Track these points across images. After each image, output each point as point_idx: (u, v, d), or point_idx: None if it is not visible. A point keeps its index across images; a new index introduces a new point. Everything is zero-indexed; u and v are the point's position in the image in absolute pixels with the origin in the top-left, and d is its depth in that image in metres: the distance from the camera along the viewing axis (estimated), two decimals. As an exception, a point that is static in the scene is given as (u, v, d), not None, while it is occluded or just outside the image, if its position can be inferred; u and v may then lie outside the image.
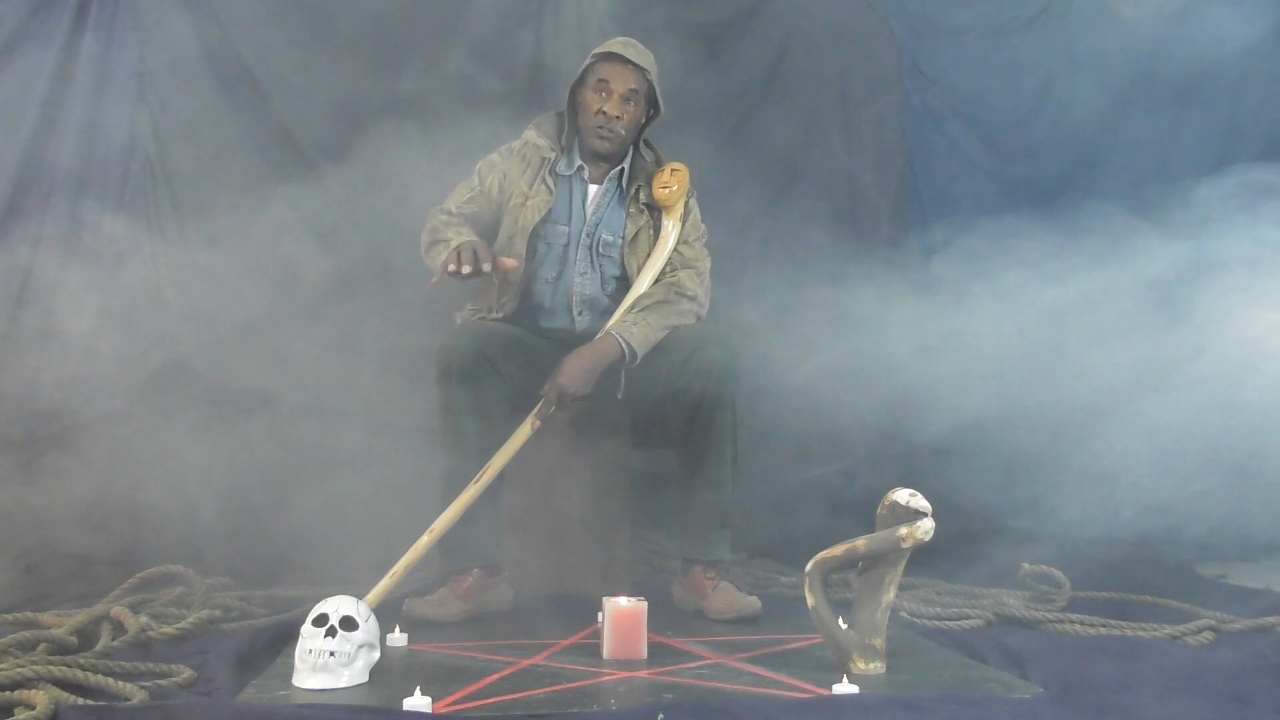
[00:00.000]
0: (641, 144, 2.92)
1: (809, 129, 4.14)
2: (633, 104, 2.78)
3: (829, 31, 4.24)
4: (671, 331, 2.73)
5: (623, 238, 2.82)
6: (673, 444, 2.74)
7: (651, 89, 2.82)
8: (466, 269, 2.53)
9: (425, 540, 2.41)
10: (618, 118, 2.75)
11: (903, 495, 2.06)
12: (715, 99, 4.02)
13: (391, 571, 2.37)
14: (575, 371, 2.60)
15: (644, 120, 2.87)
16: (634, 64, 2.76)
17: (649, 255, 2.80)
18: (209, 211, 3.53)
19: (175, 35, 3.64)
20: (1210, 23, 3.85)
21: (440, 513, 2.47)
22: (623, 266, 2.82)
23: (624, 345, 2.64)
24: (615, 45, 2.80)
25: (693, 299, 2.78)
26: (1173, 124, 4.11)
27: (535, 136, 2.84)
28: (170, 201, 3.61)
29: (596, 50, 2.82)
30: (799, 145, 4.12)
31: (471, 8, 3.82)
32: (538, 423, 2.56)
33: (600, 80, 2.77)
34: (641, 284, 2.76)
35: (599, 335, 2.68)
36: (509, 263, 2.64)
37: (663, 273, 2.78)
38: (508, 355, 2.65)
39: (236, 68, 3.69)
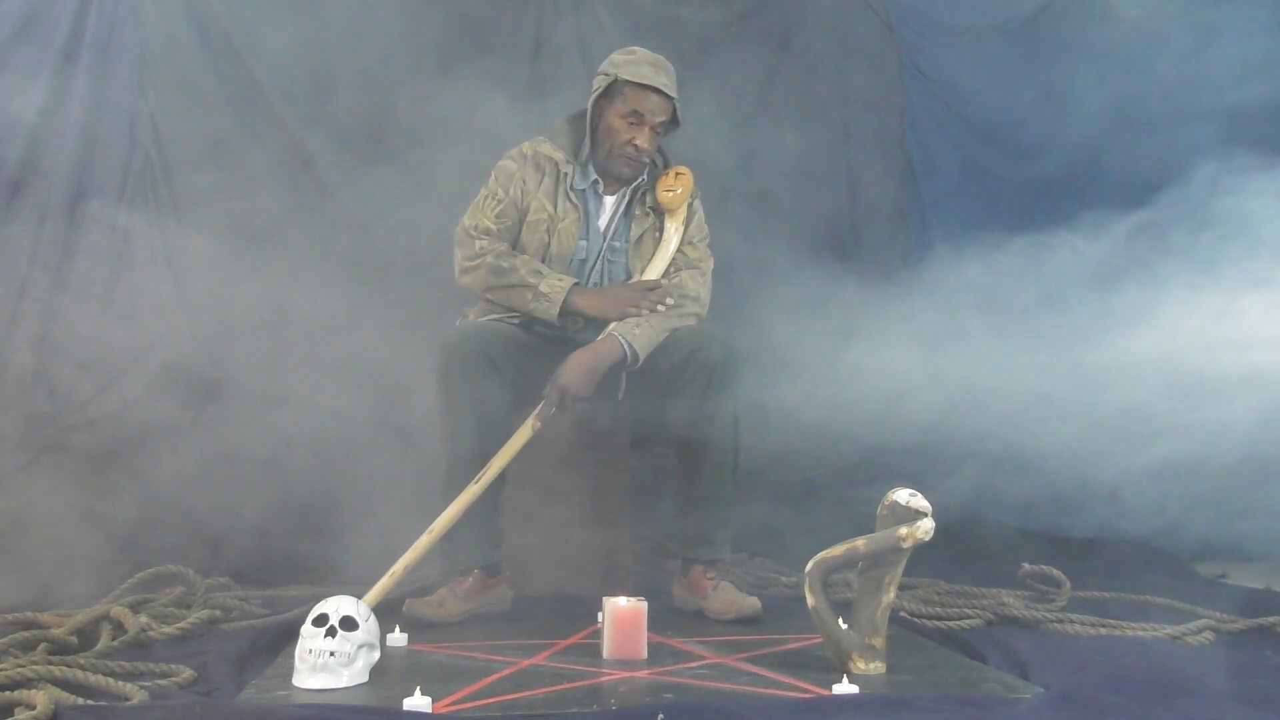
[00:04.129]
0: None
1: (809, 129, 4.15)
2: (660, 132, 2.72)
3: (829, 32, 4.25)
4: (672, 331, 2.73)
5: (628, 241, 2.82)
6: (673, 443, 2.74)
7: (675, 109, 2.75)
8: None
9: (425, 540, 2.42)
10: (647, 149, 2.70)
11: (903, 495, 2.06)
12: (716, 99, 4.02)
13: (391, 571, 2.38)
14: (577, 372, 2.60)
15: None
16: (666, 95, 2.67)
17: (652, 258, 2.80)
18: (210, 209, 3.53)
19: (176, 34, 3.65)
20: (1210, 22, 3.84)
21: (441, 512, 2.48)
22: (628, 270, 2.81)
23: (626, 347, 2.64)
24: (647, 71, 2.66)
25: (695, 299, 2.77)
26: (1173, 124, 4.10)
27: (550, 149, 2.77)
28: (171, 199, 3.62)
29: (626, 69, 2.66)
30: (799, 145, 4.12)
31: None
32: (538, 423, 2.56)
33: (633, 111, 2.66)
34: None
35: (601, 336, 2.68)
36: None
37: (666, 275, 2.78)
38: (508, 355, 2.65)
39: (237, 66, 3.70)
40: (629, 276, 2.80)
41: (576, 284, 2.69)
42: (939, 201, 4.23)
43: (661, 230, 2.81)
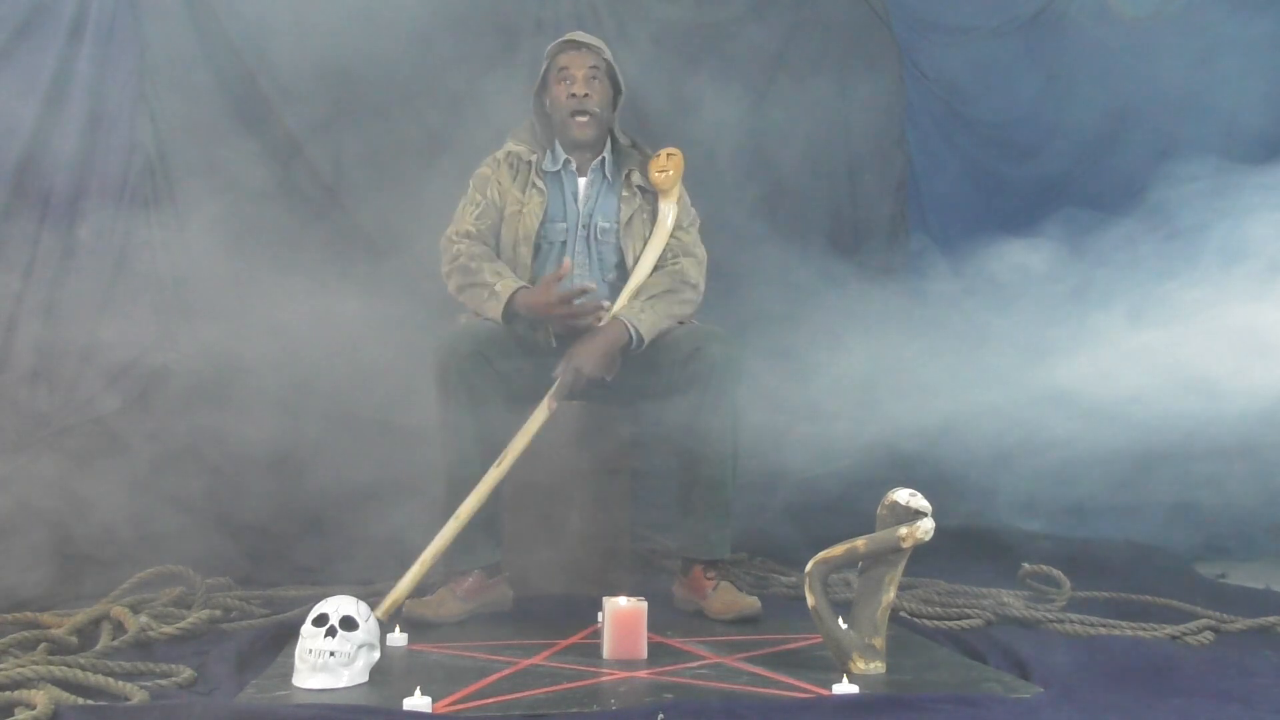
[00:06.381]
0: (618, 131, 2.96)
1: (809, 129, 4.14)
2: (598, 81, 2.85)
3: (829, 31, 4.25)
4: (673, 330, 2.75)
5: (618, 222, 2.85)
6: (673, 443, 2.74)
7: (611, 68, 2.88)
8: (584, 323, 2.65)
9: (452, 526, 2.48)
10: (587, 95, 2.81)
11: (903, 495, 2.06)
12: (715, 99, 4.03)
13: (420, 560, 2.44)
14: (590, 354, 2.63)
15: (613, 100, 2.92)
16: (587, 46, 2.86)
17: (647, 239, 2.83)
18: (210, 211, 3.53)
19: (175, 35, 3.64)
20: (1210, 22, 3.85)
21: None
22: (620, 251, 2.85)
23: (631, 330, 2.67)
24: (563, 39, 2.90)
25: (694, 287, 2.82)
26: (1173, 124, 4.10)
27: (513, 144, 2.90)
28: (170, 201, 3.61)
29: (547, 50, 2.90)
30: (798, 145, 4.12)
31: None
32: (554, 404, 2.60)
33: (560, 70, 2.84)
34: (644, 268, 2.79)
35: (605, 320, 2.70)
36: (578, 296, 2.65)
37: (663, 257, 2.81)
38: (505, 355, 2.66)
39: (236, 67, 3.69)
40: (621, 258, 2.84)
41: (525, 287, 2.70)
42: (939, 201, 4.23)
43: (651, 213, 2.86)
